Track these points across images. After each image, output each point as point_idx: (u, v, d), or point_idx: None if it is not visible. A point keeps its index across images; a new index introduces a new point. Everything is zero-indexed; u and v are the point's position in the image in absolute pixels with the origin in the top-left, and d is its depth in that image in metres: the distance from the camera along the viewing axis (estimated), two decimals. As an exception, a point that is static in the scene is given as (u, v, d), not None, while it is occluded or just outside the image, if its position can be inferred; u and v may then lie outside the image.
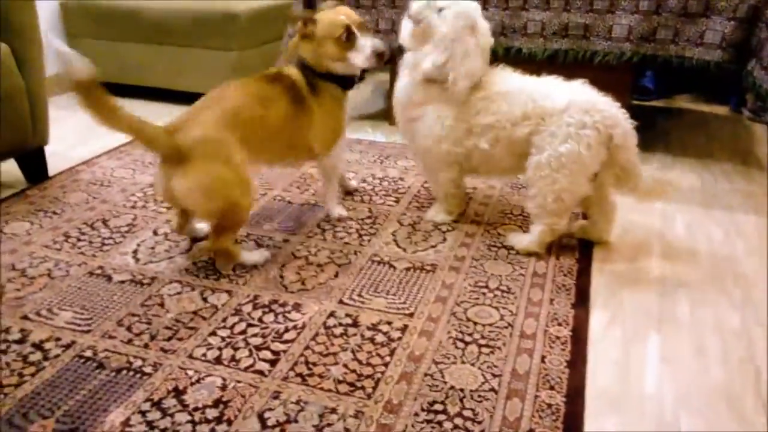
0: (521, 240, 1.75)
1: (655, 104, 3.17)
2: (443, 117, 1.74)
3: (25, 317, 1.46)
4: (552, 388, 1.24)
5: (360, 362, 1.31)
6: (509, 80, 1.74)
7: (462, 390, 1.23)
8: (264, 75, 1.76)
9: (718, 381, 1.29)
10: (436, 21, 1.68)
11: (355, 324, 1.43)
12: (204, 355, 1.34)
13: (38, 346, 1.36)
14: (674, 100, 3.24)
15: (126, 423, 1.16)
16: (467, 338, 1.38)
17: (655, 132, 2.73)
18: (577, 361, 1.32)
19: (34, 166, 2.21)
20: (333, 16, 1.74)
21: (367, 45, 1.73)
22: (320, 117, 1.77)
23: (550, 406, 1.20)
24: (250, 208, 1.65)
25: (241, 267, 1.66)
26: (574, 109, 1.59)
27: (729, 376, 1.31)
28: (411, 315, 1.46)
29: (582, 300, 1.52)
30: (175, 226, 1.77)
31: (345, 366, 1.30)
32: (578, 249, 1.74)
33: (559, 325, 1.43)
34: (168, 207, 1.98)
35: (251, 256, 1.68)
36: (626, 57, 2.26)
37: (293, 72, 1.76)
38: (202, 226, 1.79)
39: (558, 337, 1.39)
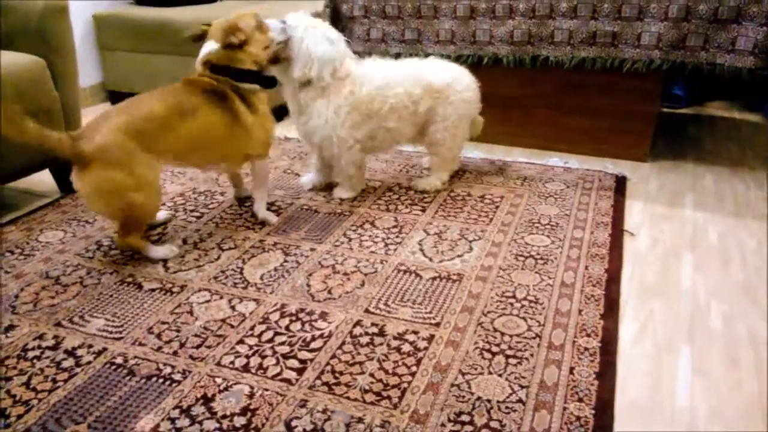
0: (429, 183, 2.20)
1: (686, 112, 3.13)
2: (333, 106, 1.97)
3: (58, 324, 1.49)
4: (581, 400, 1.23)
5: (386, 372, 1.31)
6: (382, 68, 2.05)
7: (489, 401, 1.23)
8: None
9: (752, 394, 1.27)
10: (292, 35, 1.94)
11: (382, 333, 1.43)
12: (232, 362, 1.35)
13: (71, 353, 1.39)
14: (705, 108, 3.19)
15: (155, 429, 1.17)
16: (494, 349, 1.37)
17: (686, 140, 2.69)
18: (606, 373, 1.30)
19: (68, 177, 2.25)
20: None
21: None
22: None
23: (578, 418, 1.18)
24: (156, 209, 1.78)
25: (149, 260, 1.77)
26: (456, 81, 2.07)
27: (763, 389, 1.28)
28: (437, 325, 1.46)
29: (611, 310, 1.50)
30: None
31: (371, 375, 1.30)
32: (607, 259, 1.72)
33: (588, 336, 1.41)
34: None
35: (158, 251, 1.78)
36: (655, 65, 2.24)
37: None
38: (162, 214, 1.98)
39: (587, 348, 1.37)
